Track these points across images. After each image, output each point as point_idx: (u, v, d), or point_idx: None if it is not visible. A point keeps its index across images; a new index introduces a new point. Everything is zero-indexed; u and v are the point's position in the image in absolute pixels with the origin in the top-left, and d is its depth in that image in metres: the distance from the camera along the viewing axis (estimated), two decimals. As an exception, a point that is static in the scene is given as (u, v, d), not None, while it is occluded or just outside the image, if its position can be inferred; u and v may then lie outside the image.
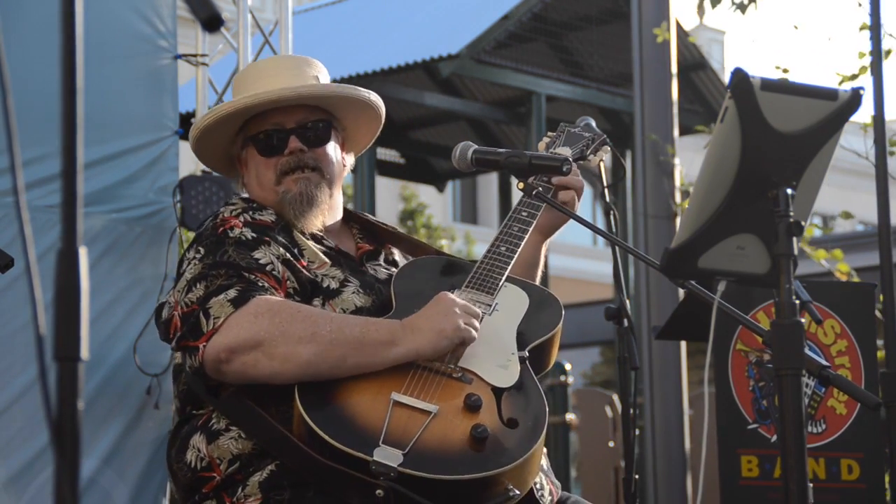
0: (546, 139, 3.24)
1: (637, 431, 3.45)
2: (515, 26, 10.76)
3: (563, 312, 2.92)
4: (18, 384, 5.23)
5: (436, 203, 26.05)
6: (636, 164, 7.83)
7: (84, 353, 1.40)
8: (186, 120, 6.89)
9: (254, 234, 2.76)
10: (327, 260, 2.83)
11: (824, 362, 2.45)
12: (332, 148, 2.99)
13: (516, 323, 2.82)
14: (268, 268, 2.70)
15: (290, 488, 2.56)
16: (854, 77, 6.12)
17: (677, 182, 7.57)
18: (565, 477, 8.74)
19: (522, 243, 2.93)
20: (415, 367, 2.63)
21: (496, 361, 2.70)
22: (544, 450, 2.78)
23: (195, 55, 6.51)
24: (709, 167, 2.28)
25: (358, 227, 3.11)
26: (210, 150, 3.05)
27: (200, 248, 2.75)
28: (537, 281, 3.10)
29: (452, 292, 2.79)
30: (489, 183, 26.92)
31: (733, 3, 6.99)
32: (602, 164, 3.57)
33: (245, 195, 3.00)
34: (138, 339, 5.63)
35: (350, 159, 3.07)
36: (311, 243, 2.85)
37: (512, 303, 2.86)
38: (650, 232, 7.49)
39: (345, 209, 3.11)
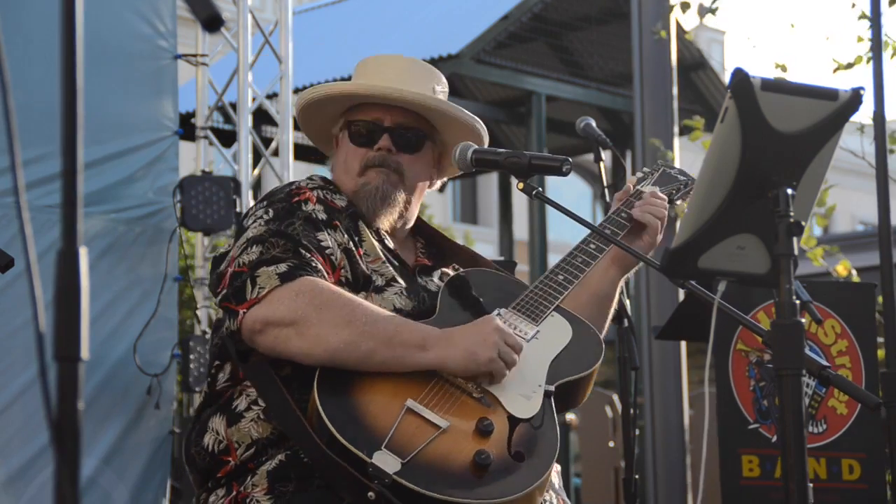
0: (639, 174, 3.22)
1: (637, 431, 3.44)
2: (515, 26, 10.76)
3: (604, 353, 2.85)
4: (18, 384, 5.23)
5: (436, 203, 26.06)
6: (636, 168, 7.83)
7: (84, 353, 1.40)
8: (186, 120, 6.89)
9: (325, 216, 2.79)
10: (381, 256, 2.84)
11: (824, 362, 2.45)
12: (421, 159, 3.00)
13: (553, 355, 2.77)
14: (327, 251, 2.72)
15: (295, 481, 2.58)
16: (850, 66, 6.11)
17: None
18: (565, 477, 8.73)
19: (582, 276, 2.91)
20: (437, 378, 2.62)
21: (520, 390, 2.66)
22: (558, 467, 2.76)
23: (195, 55, 6.51)
24: (709, 167, 2.28)
25: (423, 241, 3.10)
26: (311, 122, 3.07)
27: (270, 210, 2.78)
28: (609, 318, 3.07)
29: (498, 311, 2.78)
30: (489, 183, 26.92)
31: (700, 10, 7.01)
32: (602, 164, 3.57)
33: (324, 176, 3.00)
34: (138, 339, 5.64)
35: (440, 179, 3.09)
36: (371, 237, 2.87)
37: (554, 333, 2.82)
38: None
39: (416, 219, 3.11)
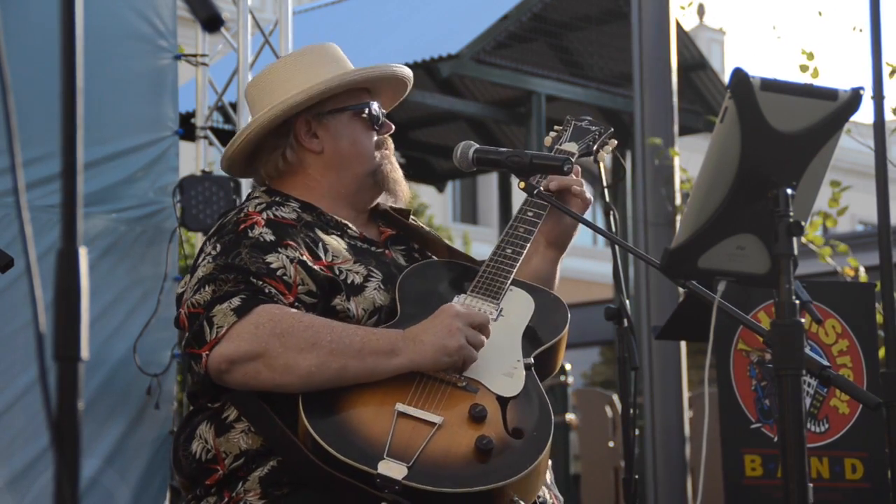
0: (553, 133, 3.23)
1: (637, 431, 3.45)
2: (515, 26, 10.76)
3: (569, 315, 2.88)
4: (19, 385, 5.23)
5: (436, 203, 26.05)
6: (636, 168, 7.82)
7: (84, 352, 1.40)
8: (186, 120, 6.89)
9: (273, 237, 2.75)
10: (350, 256, 2.82)
11: (825, 362, 2.45)
12: None
13: (522, 328, 2.79)
14: (278, 272, 2.68)
15: (289, 485, 2.57)
16: (893, 73, 6.03)
17: (677, 185, 7.55)
18: (565, 477, 8.74)
19: (528, 245, 2.92)
20: (419, 377, 2.62)
21: (501, 369, 2.68)
22: (549, 462, 2.77)
23: (195, 55, 6.51)
24: (709, 167, 2.28)
25: (382, 221, 3.10)
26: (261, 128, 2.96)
27: (217, 245, 2.75)
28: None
29: (457, 298, 2.78)
30: (489, 183, 26.92)
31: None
32: (602, 164, 3.57)
33: (264, 189, 2.95)
34: (138, 339, 5.63)
35: None
36: (333, 239, 2.84)
37: (517, 308, 2.83)
38: (650, 239, 7.49)
39: None
